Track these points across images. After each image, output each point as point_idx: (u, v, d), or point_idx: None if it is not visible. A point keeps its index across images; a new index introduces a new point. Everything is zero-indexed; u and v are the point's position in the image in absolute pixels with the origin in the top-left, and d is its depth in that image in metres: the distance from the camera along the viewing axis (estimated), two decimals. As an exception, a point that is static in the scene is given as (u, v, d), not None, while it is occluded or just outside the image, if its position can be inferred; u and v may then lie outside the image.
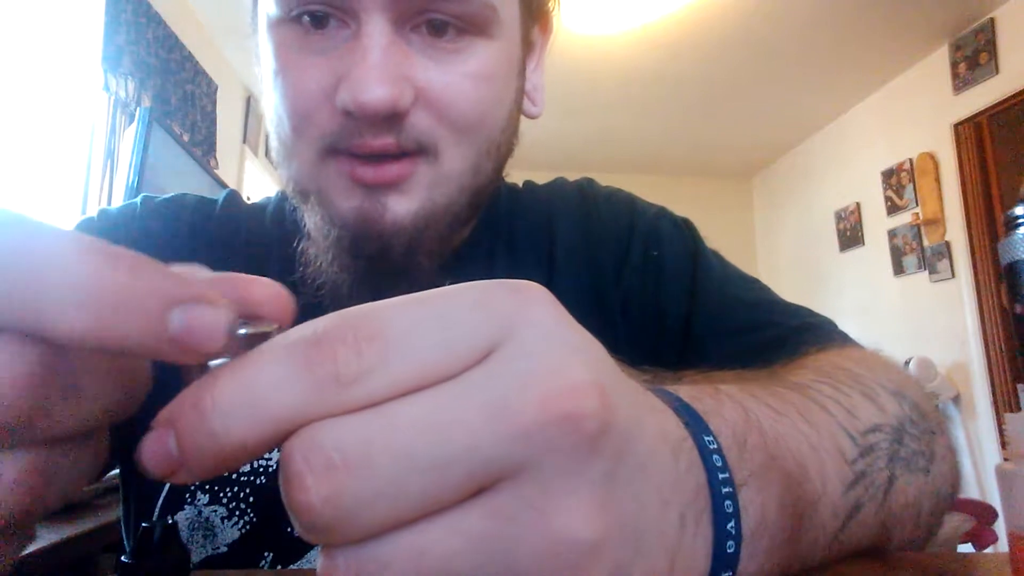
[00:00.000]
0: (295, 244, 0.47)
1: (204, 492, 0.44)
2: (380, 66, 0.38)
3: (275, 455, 0.45)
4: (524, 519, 0.15)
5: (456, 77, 0.41)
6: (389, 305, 0.16)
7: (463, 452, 0.15)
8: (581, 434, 0.15)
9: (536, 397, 0.15)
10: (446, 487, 0.15)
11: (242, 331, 0.16)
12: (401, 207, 0.41)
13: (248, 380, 0.15)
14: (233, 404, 0.15)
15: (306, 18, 0.40)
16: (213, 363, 0.16)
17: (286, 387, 0.15)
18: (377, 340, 0.15)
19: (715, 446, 0.21)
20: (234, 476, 0.45)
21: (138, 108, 1.95)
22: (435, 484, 0.15)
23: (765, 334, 0.46)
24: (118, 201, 1.89)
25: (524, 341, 0.16)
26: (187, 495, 0.44)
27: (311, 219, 0.44)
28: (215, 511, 0.44)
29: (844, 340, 0.45)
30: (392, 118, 0.39)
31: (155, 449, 0.15)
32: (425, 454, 0.15)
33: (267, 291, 0.18)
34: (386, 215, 0.41)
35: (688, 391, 0.24)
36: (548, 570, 0.15)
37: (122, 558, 0.27)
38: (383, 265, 0.42)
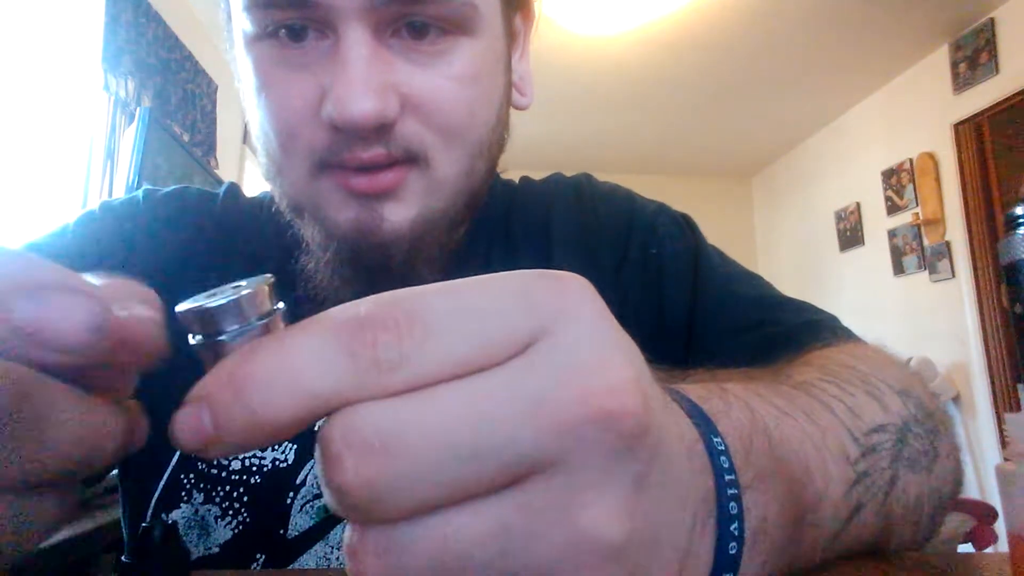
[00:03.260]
0: (294, 256, 0.46)
1: (199, 491, 0.44)
2: (364, 78, 0.37)
3: (268, 454, 0.44)
4: (550, 515, 0.15)
5: (441, 81, 0.40)
6: (431, 291, 0.16)
7: (500, 443, 0.15)
8: (619, 434, 0.15)
9: (577, 393, 0.15)
10: (480, 476, 0.15)
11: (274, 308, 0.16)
12: (398, 215, 0.41)
13: (288, 356, 0.15)
14: (272, 378, 0.15)
15: (283, 32, 0.40)
16: (224, 339, 0.16)
17: (326, 366, 0.15)
18: (418, 327, 0.15)
19: (723, 447, 0.21)
20: (225, 474, 0.44)
21: (138, 108, 1.95)
22: (469, 472, 0.15)
23: (769, 331, 0.46)
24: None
25: (566, 335, 0.16)
26: (183, 493, 0.44)
27: (307, 233, 0.44)
28: (209, 510, 0.43)
29: (848, 337, 0.45)
30: (380, 129, 0.39)
31: (188, 423, 0.15)
32: (462, 442, 0.15)
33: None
34: (384, 224, 0.41)
35: (696, 391, 0.24)
36: (568, 567, 0.15)
37: (122, 558, 0.27)
38: (384, 275, 0.41)
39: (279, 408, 0.15)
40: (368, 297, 0.16)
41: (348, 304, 0.16)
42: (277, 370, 0.15)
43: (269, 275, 0.17)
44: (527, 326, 0.16)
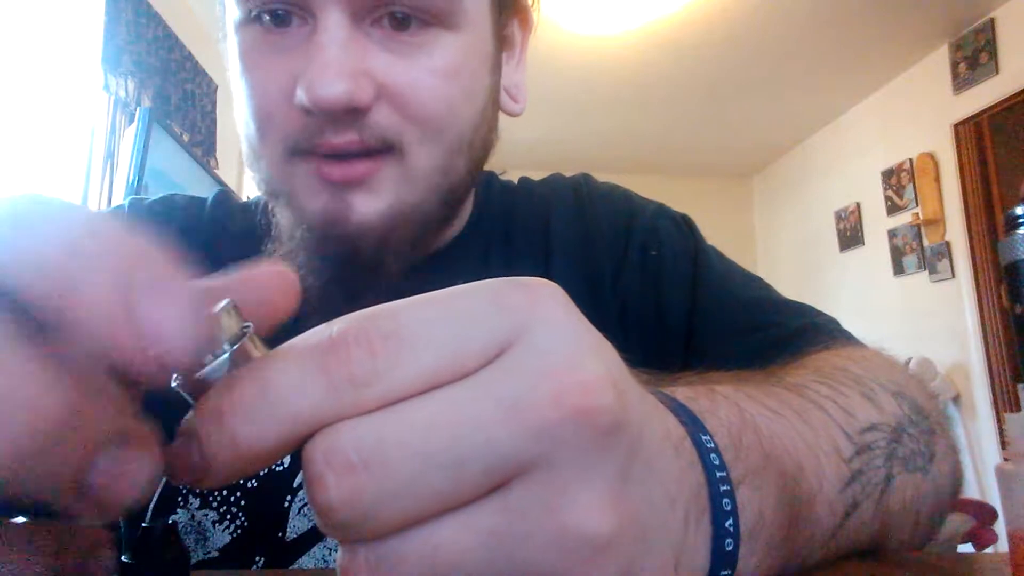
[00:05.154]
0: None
1: (195, 496, 0.44)
2: (336, 61, 0.37)
3: None
4: (536, 515, 0.15)
5: (420, 72, 0.40)
6: (402, 305, 0.16)
7: (478, 449, 0.15)
8: (595, 429, 0.15)
9: (550, 392, 0.15)
10: (462, 484, 0.15)
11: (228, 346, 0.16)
12: (369, 207, 0.41)
13: (265, 384, 0.15)
14: (252, 408, 0.15)
15: (266, 17, 0.40)
16: (207, 372, 0.16)
17: (302, 389, 0.15)
18: (390, 340, 0.15)
19: (712, 445, 0.21)
20: None
21: (138, 108, 1.95)
22: (451, 481, 0.15)
23: (768, 334, 0.46)
24: (118, 201, 1.89)
25: (536, 338, 0.16)
26: (179, 498, 0.44)
27: (282, 219, 0.44)
28: (206, 515, 0.43)
29: (847, 339, 0.45)
30: (353, 113, 0.38)
31: (180, 457, 0.15)
32: (440, 452, 0.15)
33: (271, 276, 0.18)
34: (352, 215, 0.40)
35: (684, 392, 0.24)
36: (559, 566, 0.15)
37: (122, 558, 0.27)
38: (352, 267, 0.41)
39: (263, 435, 0.15)
40: (342, 316, 0.16)
41: (322, 325, 0.16)
42: (256, 398, 0.15)
43: (227, 300, 0.17)
44: (498, 333, 0.16)
